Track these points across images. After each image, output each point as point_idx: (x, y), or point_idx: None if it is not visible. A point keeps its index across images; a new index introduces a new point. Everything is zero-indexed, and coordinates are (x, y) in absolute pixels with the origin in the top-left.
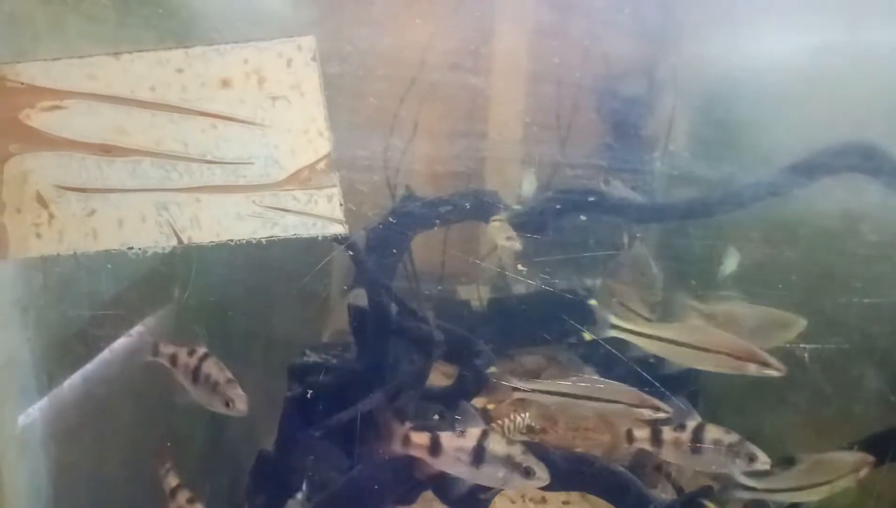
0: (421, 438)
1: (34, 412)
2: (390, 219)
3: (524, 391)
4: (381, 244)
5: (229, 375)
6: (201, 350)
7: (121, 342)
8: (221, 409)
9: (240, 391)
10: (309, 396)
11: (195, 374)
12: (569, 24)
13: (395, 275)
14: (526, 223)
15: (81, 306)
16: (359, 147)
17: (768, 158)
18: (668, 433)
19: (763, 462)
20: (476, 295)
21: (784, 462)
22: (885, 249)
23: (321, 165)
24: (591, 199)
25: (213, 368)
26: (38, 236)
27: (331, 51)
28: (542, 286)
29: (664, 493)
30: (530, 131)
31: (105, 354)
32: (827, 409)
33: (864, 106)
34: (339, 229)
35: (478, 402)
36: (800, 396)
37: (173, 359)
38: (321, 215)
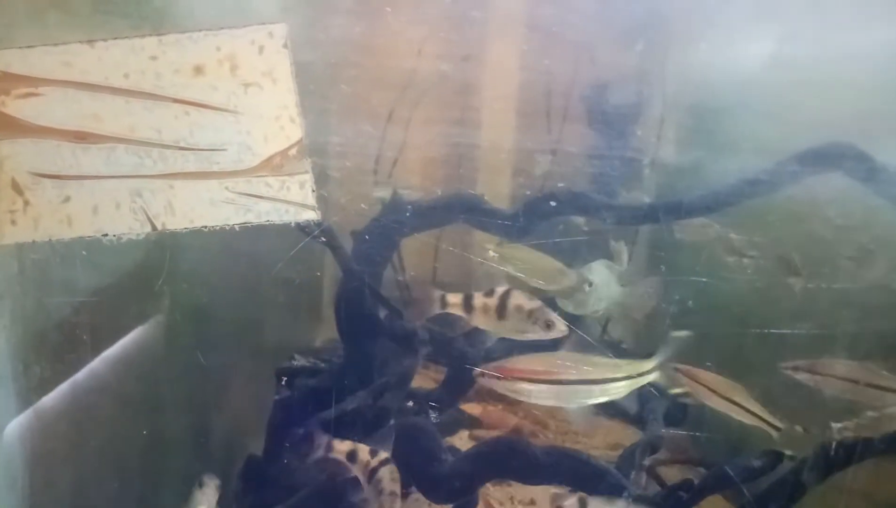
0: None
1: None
2: (377, 221)
3: None
4: (367, 246)
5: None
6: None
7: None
8: (541, 333)
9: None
10: (293, 387)
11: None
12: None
13: (382, 277)
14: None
15: (57, 294)
16: (331, 134)
17: (758, 150)
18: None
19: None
20: None
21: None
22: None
23: (293, 152)
24: (561, 184)
25: (520, 299)
26: (14, 222)
27: (303, 38)
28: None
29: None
30: (503, 117)
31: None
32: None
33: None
34: (311, 215)
35: (467, 408)
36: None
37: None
38: (294, 201)
